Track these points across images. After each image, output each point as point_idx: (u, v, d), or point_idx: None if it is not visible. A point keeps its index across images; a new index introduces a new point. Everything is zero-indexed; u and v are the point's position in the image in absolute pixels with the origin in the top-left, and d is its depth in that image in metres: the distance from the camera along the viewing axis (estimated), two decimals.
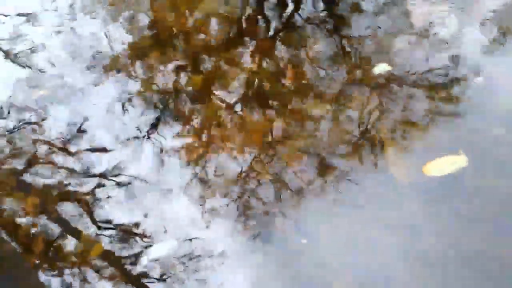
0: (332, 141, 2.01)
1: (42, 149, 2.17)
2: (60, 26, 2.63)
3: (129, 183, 2.01)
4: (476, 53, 2.19)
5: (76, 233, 1.92)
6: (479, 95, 2.04)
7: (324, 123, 2.07)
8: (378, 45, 2.28)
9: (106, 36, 2.54)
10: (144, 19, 2.60)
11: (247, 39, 2.44)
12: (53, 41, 2.57)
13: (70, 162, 2.12)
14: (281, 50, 2.35)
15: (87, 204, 1.99)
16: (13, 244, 1.93)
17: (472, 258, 1.67)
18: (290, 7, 2.54)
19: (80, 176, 2.07)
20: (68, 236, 1.92)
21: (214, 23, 2.53)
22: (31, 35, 2.61)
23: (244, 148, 2.04)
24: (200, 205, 1.91)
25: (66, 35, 2.58)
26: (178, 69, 2.36)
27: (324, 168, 1.94)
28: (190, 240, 1.84)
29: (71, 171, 2.09)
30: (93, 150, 2.14)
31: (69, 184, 2.05)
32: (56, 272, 1.84)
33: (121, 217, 1.94)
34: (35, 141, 2.20)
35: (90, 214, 1.96)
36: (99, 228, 1.92)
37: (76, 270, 1.84)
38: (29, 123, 2.26)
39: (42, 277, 1.83)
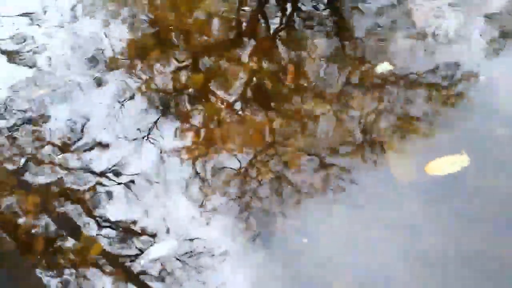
0: (333, 141, 2.01)
1: (42, 148, 2.17)
2: (60, 25, 2.63)
3: (130, 183, 2.01)
4: (478, 52, 2.18)
5: (76, 232, 1.93)
6: (481, 95, 2.04)
7: (325, 122, 2.07)
8: (380, 44, 2.27)
9: (107, 36, 2.54)
10: (144, 19, 2.60)
11: (247, 38, 2.43)
12: (53, 40, 2.57)
13: (71, 161, 2.12)
14: (281, 49, 2.35)
15: (87, 203, 1.99)
16: (13, 243, 1.93)
17: (472, 258, 1.67)
18: (291, 6, 2.53)
19: (81, 175, 2.07)
20: (68, 235, 1.93)
21: (214, 22, 2.53)
22: (31, 34, 2.61)
23: (244, 147, 2.04)
24: (201, 204, 1.91)
25: (67, 34, 2.58)
26: (178, 68, 2.36)
27: (324, 168, 1.94)
28: (191, 240, 1.84)
29: (72, 170, 2.09)
30: (94, 149, 2.14)
31: (70, 183, 2.05)
32: (55, 272, 1.84)
33: (122, 216, 1.94)
34: (35, 140, 2.20)
35: (90, 213, 1.96)
36: (99, 227, 1.93)
37: (76, 269, 1.84)
38: (29, 122, 2.26)
39: (42, 276, 1.84)
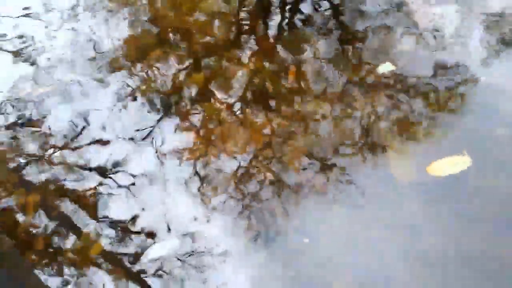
0: (333, 141, 2.01)
1: (43, 146, 2.17)
2: (61, 24, 2.63)
3: (131, 182, 2.01)
4: (479, 53, 2.19)
5: (76, 231, 1.93)
6: (482, 95, 2.04)
7: (326, 122, 2.07)
8: (382, 44, 2.28)
9: (107, 35, 2.54)
10: (145, 18, 2.60)
11: (248, 38, 2.43)
12: (54, 39, 2.57)
13: (71, 159, 2.12)
14: (282, 49, 2.35)
15: (88, 202, 1.99)
16: (13, 242, 1.93)
17: (472, 258, 1.67)
18: (291, 6, 2.53)
19: (81, 174, 2.07)
20: (67, 234, 1.93)
21: (215, 22, 2.53)
22: (31, 34, 2.61)
23: (245, 147, 2.04)
24: (201, 204, 1.91)
25: (67, 34, 2.58)
26: (178, 68, 2.36)
27: (325, 168, 1.94)
28: (191, 239, 1.84)
29: (72, 169, 2.09)
30: (94, 148, 2.14)
31: (70, 181, 2.05)
32: (55, 271, 1.84)
33: (122, 216, 1.94)
34: (35, 139, 2.20)
35: (91, 212, 1.96)
36: (99, 226, 1.92)
37: (76, 269, 1.84)
38: (30, 120, 2.26)
39: (42, 276, 1.83)
